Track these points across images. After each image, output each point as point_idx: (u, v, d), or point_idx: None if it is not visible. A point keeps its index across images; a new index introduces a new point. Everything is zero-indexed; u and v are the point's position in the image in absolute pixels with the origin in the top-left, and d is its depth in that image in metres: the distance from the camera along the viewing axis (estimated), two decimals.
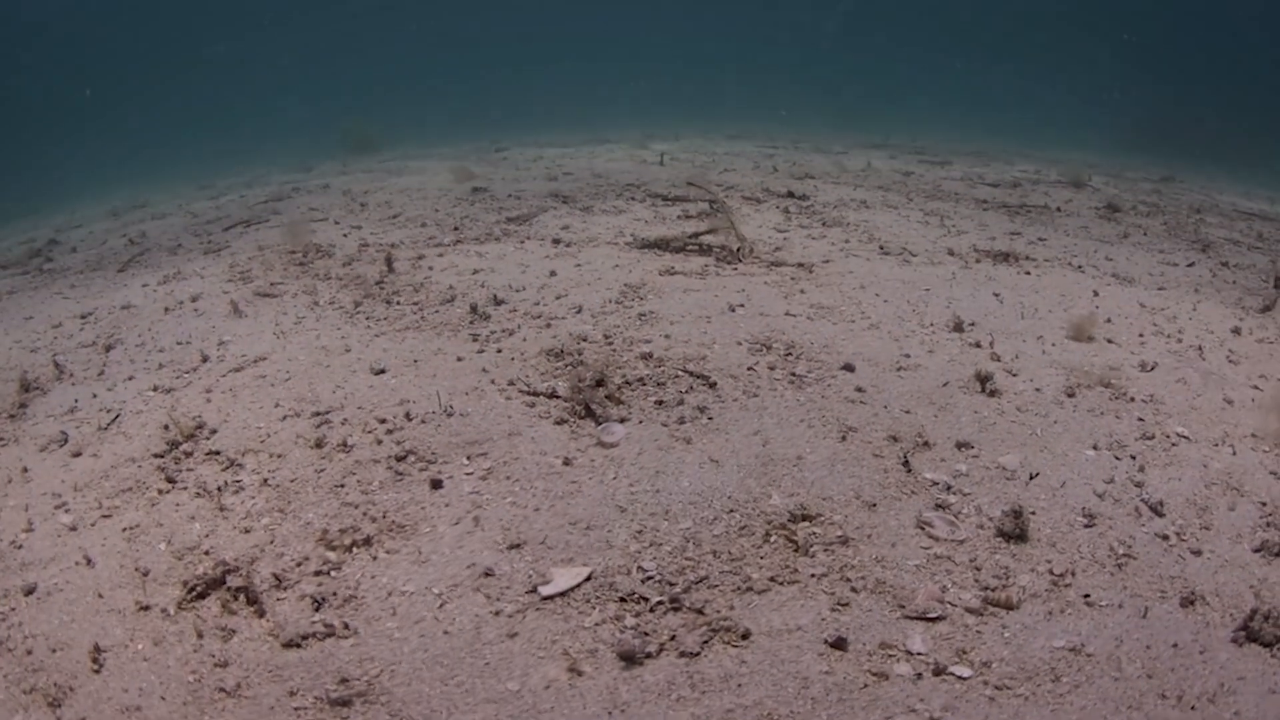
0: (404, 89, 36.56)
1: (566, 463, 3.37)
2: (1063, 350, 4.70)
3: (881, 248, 7.09)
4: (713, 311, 5.12)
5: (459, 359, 4.52)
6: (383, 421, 3.83)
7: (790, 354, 4.45)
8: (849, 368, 4.26)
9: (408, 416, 3.85)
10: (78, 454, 3.88)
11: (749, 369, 4.26)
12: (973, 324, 5.04)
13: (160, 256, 7.89)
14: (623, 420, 3.70)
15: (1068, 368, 4.42)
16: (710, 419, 3.72)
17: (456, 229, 7.97)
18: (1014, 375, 4.29)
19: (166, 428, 3.94)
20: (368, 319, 5.36)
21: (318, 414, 3.94)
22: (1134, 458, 3.55)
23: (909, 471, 3.28)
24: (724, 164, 12.24)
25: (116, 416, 4.19)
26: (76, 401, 4.45)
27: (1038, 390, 4.12)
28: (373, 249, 7.29)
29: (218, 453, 3.70)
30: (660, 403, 3.86)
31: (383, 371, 4.40)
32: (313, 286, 6.15)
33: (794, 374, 4.20)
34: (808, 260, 6.57)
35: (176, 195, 13.41)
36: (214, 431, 3.88)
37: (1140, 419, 3.89)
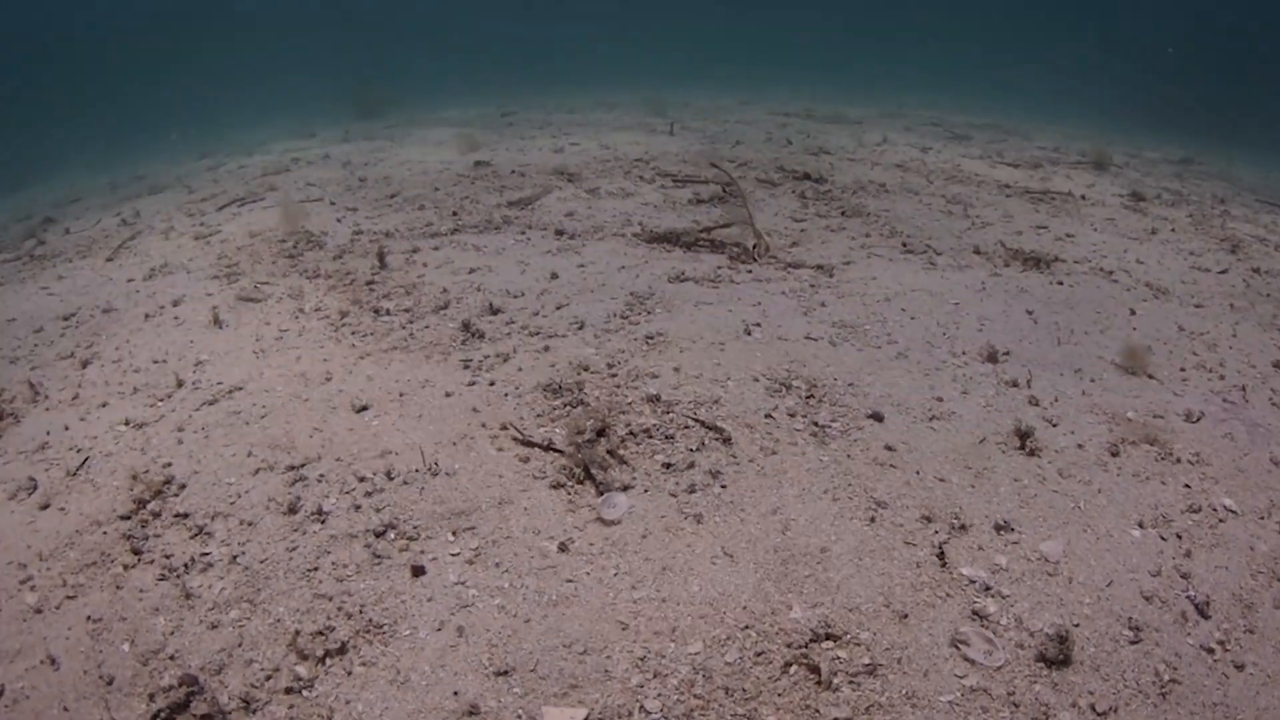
0: (414, 50, 35.21)
1: (562, 549, 3.05)
2: (1103, 389, 4.33)
3: (904, 244, 6.66)
4: (727, 335, 4.75)
5: (447, 394, 4.18)
6: (362, 480, 3.52)
7: (812, 396, 4.10)
8: (877, 416, 3.91)
9: (389, 475, 3.53)
10: (45, 506, 3.60)
11: (767, 416, 3.91)
12: (1007, 353, 4.66)
13: (151, 241, 7.51)
14: (626, 488, 3.38)
15: (1110, 414, 4.06)
16: (724, 487, 3.39)
17: (455, 214, 7.54)
18: (1054, 425, 3.94)
19: (135, 478, 3.65)
20: (353, 333, 5.01)
21: (292, 468, 3.63)
22: (1179, 537, 3.23)
23: (944, 566, 2.96)
24: (736, 134, 11.65)
25: (86, 460, 3.90)
26: (49, 435, 4.16)
27: (1079, 447, 3.77)
28: (366, 238, 6.90)
29: (186, 515, 3.41)
30: (668, 465, 3.52)
31: (365, 409, 4.08)
32: (299, 288, 5.79)
33: (816, 424, 3.85)
34: (827, 261, 6.16)
35: (177, 164, 12.92)
36: (183, 486, 3.59)
37: (1186, 485, 3.56)
